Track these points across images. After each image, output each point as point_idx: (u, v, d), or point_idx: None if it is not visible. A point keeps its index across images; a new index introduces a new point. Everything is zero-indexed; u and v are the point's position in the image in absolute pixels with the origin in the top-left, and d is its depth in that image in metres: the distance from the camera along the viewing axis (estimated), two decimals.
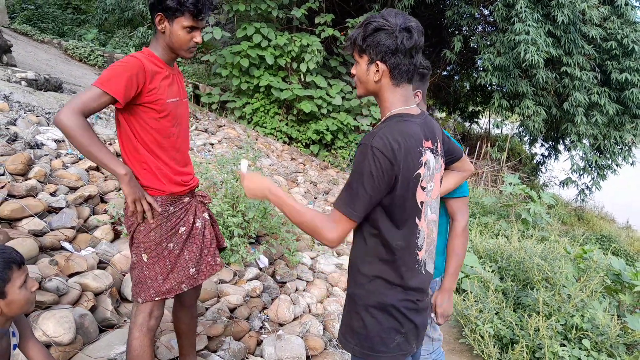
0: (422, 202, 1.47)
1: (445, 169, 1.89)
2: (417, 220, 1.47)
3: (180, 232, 2.05)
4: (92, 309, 2.57)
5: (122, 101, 1.78)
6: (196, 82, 10.64)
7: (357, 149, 1.41)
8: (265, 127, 9.35)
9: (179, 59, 1.91)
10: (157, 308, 2.05)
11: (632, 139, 10.44)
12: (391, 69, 1.43)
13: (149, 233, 1.97)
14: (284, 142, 9.31)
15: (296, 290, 3.70)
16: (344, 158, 9.42)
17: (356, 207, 1.38)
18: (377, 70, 1.43)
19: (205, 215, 2.21)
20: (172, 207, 2.02)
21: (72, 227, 3.08)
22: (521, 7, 8.52)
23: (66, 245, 2.94)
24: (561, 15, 8.52)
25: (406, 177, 1.40)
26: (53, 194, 3.30)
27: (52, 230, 2.98)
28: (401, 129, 1.40)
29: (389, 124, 1.43)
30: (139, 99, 1.85)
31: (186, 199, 2.11)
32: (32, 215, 2.93)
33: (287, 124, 9.51)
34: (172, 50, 1.94)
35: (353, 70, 1.53)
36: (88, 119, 1.76)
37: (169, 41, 1.90)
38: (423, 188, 1.46)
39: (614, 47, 9.51)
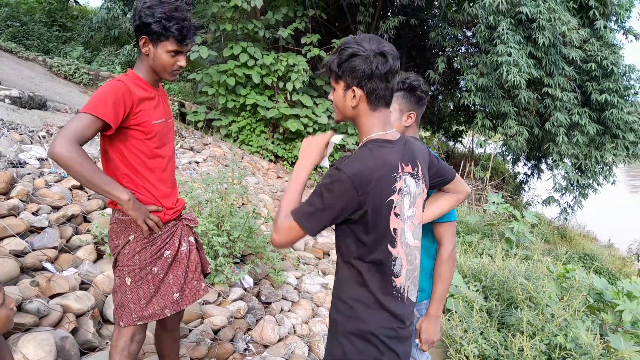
0: (395, 229, 1.46)
1: (438, 191, 1.88)
2: (389, 247, 1.46)
3: (165, 255, 2.03)
4: (74, 331, 2.52)
5: (113, 125, 1.77)
6: (182, 100, 10.64)
7: (329, 172, 1.43)
8: (251, 146, 9.36)
9: None
10: (139, 332, 2.02)
11: (612, 158, 10.65)
12: (368, 94, 1.43)
13: (133, 256, 1.95)
14: (270, 161, 9.32)
15: (281, 310, 3.68)
16: None
17: (310, 220, 1.41)
18: (354, 96, 1.44)
19: (191, 238, 2.19)
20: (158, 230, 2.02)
21: (54, 247, 3.04)
22: (503, 30, 8.72)
23: (48, 265, 2.90)
24: (542, 38, 8.73)
25: (377, 204, 1.40)
26: (35, 214, 3.26)
27: (33, 250, 2.94)
28: (374, 156, 1.41)
29: (363, 150, 1.44)
30: (126, 122, 1.84)
31: (172, 222, 2.09)
32: (14, 235, 2.89)
33: (273, 143, 9.53)
34: (156, 73, 1.95)
35: (330, 96, 1.54)
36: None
37: (153, 64, 1.91)
38: (397, 215, 1.45)
39: (593, 68, 9.75)
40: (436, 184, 1.79)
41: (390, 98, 1.49)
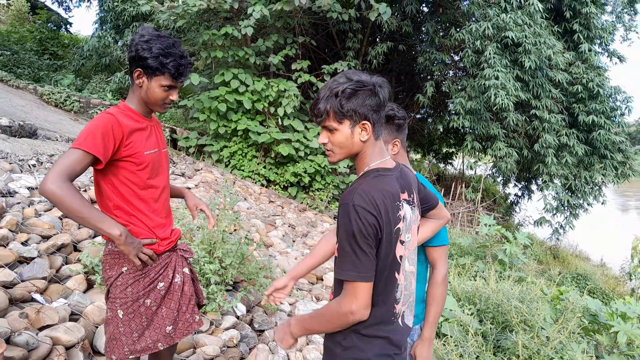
0: (400, 256, 1.47)
1: (422, 217, 1.89)
2: (396, 274, 1.47)
3: (158, 287, 2.00)
4: None
5: (103, 160, 1.76)
6: (174, 126, 10.68)
7: (339, 210, 1.41)
8: (243, 170, 9.37)
9: None
10: None
11: (601, 178, 10.77)
12: (374, 125, 1.46)
13: (125, 289, 1.93)
14: (262, 185, 9.31)
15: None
16: (322, 200, 9.45)
17: (362, 268, 1.36)
18: (365, 130, 1.45)
19: (186, 270, 2.16)
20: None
21: (44, 278, 2.99)
22: (490, 54, 8.89)
23: (37, 296, 2.85)
24: (528, 61, 8.91)
25: (388, 233, 1.40)
26: (25, 243, 3.22)
27: (22, 281, 2.89)
28: (380, 186, 1.42)
29: (367, 180, 1.45)
30: (117, 154, 1.83)
31: (166, 253, 2.07)
32: (3, 266, 2.85)
33: (265, 167, 9.55)
34: (147, 104, 1.95)
35: (324, 140, 1.51)
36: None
37: (145, 96, 1.91)
38: (402, 242, 1.47)
39: (580, 90, 9.95)
40: (423, 211, 1.81)
41: (383, 124, 1.52)
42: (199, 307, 2.28)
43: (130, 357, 1.94)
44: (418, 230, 1.66)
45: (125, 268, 1.94)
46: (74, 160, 1.70)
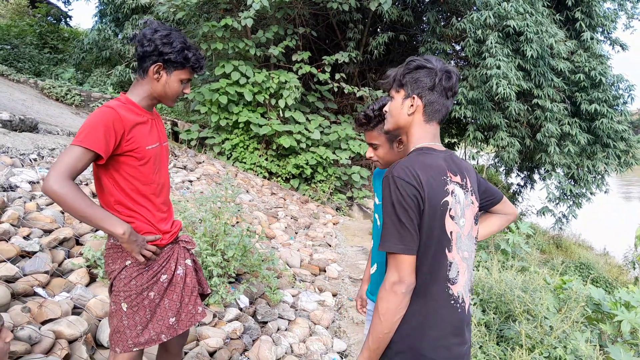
0: (451, 232, 1.42)
1: (486, 212, 1.84)
2: (446, 251, 1.42)
3: (161, 280, 2.00)
4: (66, 358, 2.47)
5: (105, 156, 1.75)
6: (175, 119, 10.65)
7: (382, 184, 1.42)
8: (244, 163, 9.35)
9: None
10: (135, 358, 1.98)
11: (604, 167, 10.72)
12: (425, 105, 1.49)
13: (129, 282, 1.92)
14: (264, 177, 9.30)
15: (278, 330, 3.63)
16: (324, 192, 9.44)
17: (402, 239, 1.34)
18: (412, 105, 1.50)
19: (188, 261, 2.15)
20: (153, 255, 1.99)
21: (46, 272, 3.00)
22: (491, 43, 8.82)
23: (39, 291, 2.85)
24: (530, 50, 8.83)
25: (432, 205, 1.37)
26: (26, 238, 3.22)
27: (25, 275, 2.89)
28: (421, 159, 1.42)
29: (409, 156, 1.46)
30: (119, 149, 1.81)
31: (169, 246, 2.08)
32: (5, 261, 2.85)
33: (266, 159, 9.54)
34: (158, 98, 1.95)
35: (386, 107, 1.60)
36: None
37: (161, 90, 1.92)
38: (452, 217, 1.42)
39: (582, 79, 9.87)
40: (485, 205, 1.77)
41: (445, 115, 1.53)
42: (204, 297, 2.28)
43: (134, 350, 1.94)
44: (477, 220, 1.59)
45: (129, 261, 1.93)
46: (75, 158, 1.68)
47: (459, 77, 1.53)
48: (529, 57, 8.96)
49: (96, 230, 3.74)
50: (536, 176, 13.53)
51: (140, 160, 1.88)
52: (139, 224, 1.93)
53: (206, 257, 3.44)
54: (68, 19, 17.87)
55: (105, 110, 1.78)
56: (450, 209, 1.41)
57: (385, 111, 1.60)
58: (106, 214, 1.77)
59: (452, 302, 1.44)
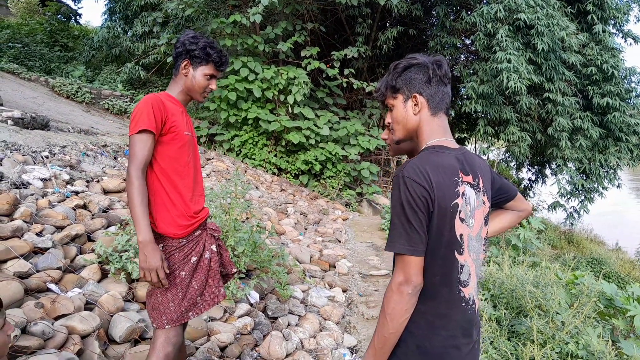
0: (461, 235, 1.40)
1: (500, 209, 1.80)
2: (456, 254, 1.40)
3: (192, 261, 2.14)
4: (79, 353, 2.49)
5: (156, 132, 1.97)
6: None
7: (392, 183, 1.41)
8: (254, 159, 9.37)
9: None
10: (174, 335, 2.09)
11: (616, 161, 10.60)
12: (429, 100, 1.47)
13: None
14: (273, 173, 9.32)
15: (288, 325, 3.64)
16: (333, 187, 9.43)
17: (409, 240, 1.33)
18: (416, 104, 1.48)
19: (214, 247, 2.28)
20: (184, 240, 2.12)
21: (59, 268, 3.02)
22: (502, 37, 8.74)
23: (52, 286, 2.88)
24: (541, 43, 8.75)
25: (442, 207, 1.35)
26: (39, 234, 3.25)
27: (37, 271, 2.92)
28: (433, 160, 1.38)
29: (421, 155, 1.42)
30: (164, 129, 2.03)
31: (198, 232, 2.20)
32: (18, 257, 2.88)
33: (275, 155, 9.55)
34: (189, 93, 2.18)
35: (388, 120, 1.58)
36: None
37: (190, 84, 2.15)
38: (462, 220, 1.40)
39: (594, 72, 9.75)
40: (499, 201, 1.74)
41: (449, 103, 1.51)
42: (229, 277, 2.45)
43: (167, 326, 2.04)
44: (487, 220, 1.56)
45: (161, 245, 2.07)
46: (140, 148, 1.94)
47: (448, 62, 1.50)
48: (540, 50, 8.87)
49: (107, 227, 3.77)
50: (547, 171, 13.44)
51: (180, 142, 2.08)
52: (173, 198, 2.09)
53: None
54: (78, 17, 17.99)
55: (149, 97, 2.02)
56: (460, 211, 1.39)
57: (389, 123, 1.57)
58: (145, 217, 1.92)
59: (464, 304, 1.43)
